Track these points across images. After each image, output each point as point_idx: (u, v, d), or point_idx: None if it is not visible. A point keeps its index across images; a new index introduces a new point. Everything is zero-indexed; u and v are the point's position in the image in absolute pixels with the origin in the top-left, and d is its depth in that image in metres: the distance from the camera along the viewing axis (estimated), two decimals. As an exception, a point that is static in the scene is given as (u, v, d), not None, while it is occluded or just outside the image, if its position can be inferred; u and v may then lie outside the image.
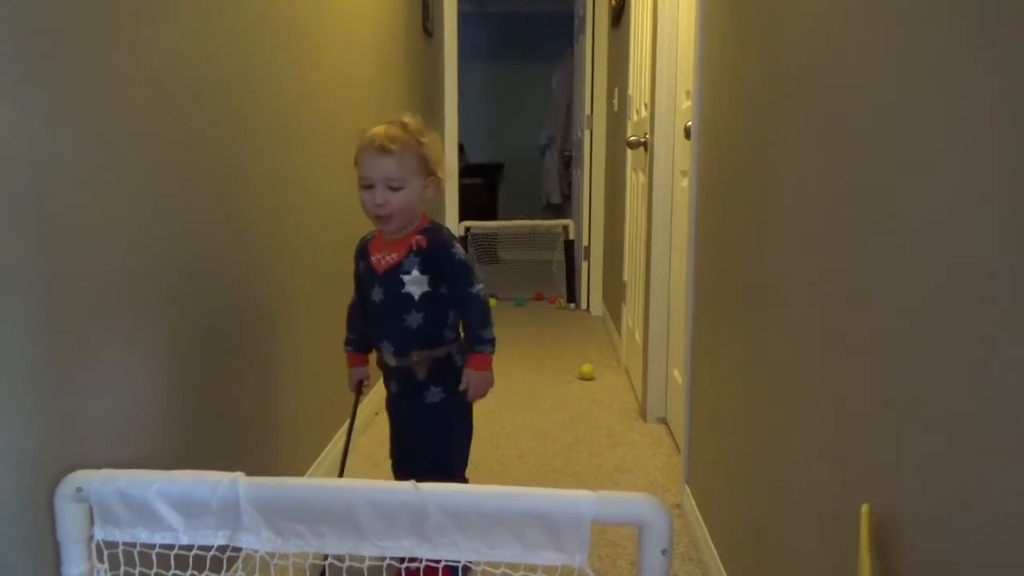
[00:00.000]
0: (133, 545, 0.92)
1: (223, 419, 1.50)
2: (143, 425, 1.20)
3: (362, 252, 1.56)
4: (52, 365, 0.98)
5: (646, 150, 2.77)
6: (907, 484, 0.77)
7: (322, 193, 2.15)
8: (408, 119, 1.47)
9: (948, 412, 0.70)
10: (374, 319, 1.53)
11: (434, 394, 1.52)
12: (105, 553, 0.93)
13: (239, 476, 0.90)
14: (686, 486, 1.93)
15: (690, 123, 2.00)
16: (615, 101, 3.92)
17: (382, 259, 1.49)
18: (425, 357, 1.50)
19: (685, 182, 2.27)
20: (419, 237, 1.48)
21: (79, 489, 0.91)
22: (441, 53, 4.27)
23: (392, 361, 1.52)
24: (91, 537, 0.92)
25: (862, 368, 0.88)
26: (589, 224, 4.67)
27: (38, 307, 0.95)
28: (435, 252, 1.47)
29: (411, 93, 3.48)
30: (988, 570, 0.63)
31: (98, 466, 0.95)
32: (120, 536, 0.92)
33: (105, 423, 1.09)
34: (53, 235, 0.98)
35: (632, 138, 2.97)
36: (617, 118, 3.81)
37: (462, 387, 1.51)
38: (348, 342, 1.65)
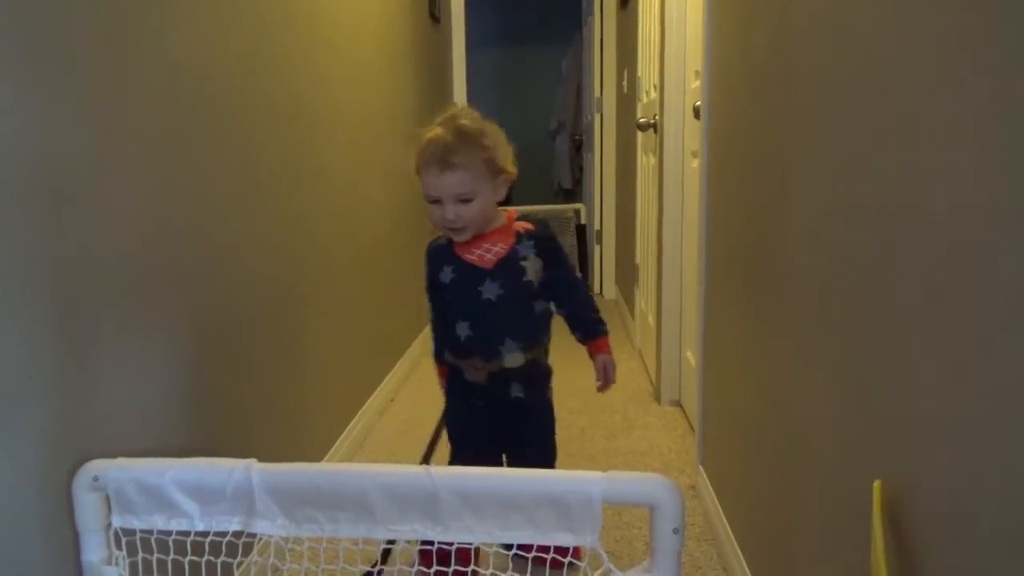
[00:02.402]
0: (150, 532, 0.93)
1: (239, 407, 1.51)
2: (159, 413, 1.21)
3: (443, 256, 1.45)
4: (66, 355, 0.99)
5: (656, 132, 2.75)
6: (920, 459, 0.77)
7: (335, 180, 2.16)
8: (464, 119, 1.40)
9: (961, 388, 0.69)
10: (491, 319, 1.42)
11: (531, 388, 1.48)
12: (123, 540, 0.94)
13: (252, 462, 0.91)
14: (700, 467, 1.93)
15: (699, 103, 1.98)
16: (624, 83, 3.89)
17: (486, 253, 1.41)
18: (544, 348, 1.49)
19: (696, 163, 2.25)
20: (520, 224, 1.44)
21: (95, 478, 0.92)
22: (449, 39, 4.25)
23: (518, 360, 1.43)
24: (109, 525, 0.94)
25: (875, 346, 0.88)
26: (601, 208, 4.65)
27: (51, 297, 0.96)
28: (545, 234, 1.45)
29: (419, 80, 3.47)
30: (1000, 543, 0.63)
31: (116, 455, 0.96)
32: (137, 523, 0.93)
33: (122, 412, 1.11)
34: (66, 224, 0.99)
35: (642, 120, 2.96)
36: (627, 100, 3.79)
37: (603, 378, 1.50)
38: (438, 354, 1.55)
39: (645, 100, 3.13)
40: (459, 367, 1.48)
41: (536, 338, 1.45)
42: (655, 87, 2.81)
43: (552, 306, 1.47)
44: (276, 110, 1.74)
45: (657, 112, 2.71)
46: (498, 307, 1.40)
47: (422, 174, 1.37)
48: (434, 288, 1.48)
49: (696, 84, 2.22)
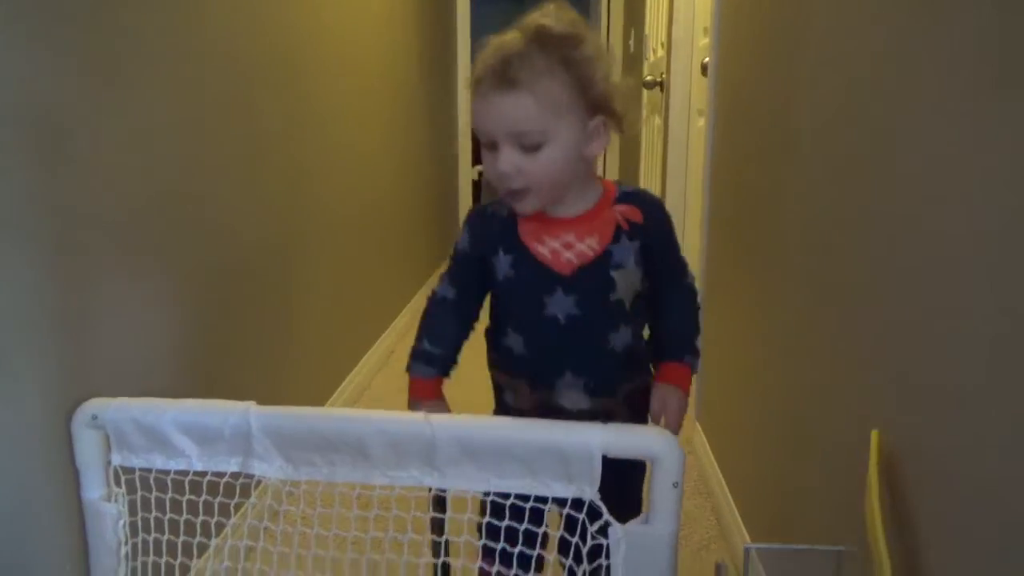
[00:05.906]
0: (149, 470, 0.94)
1: (237, 358, 1.51)
2: (159, 362, 1.21)
3: (499, 234, 0.97)
4: (67, 301, 0.98)
5: (662, 90, 2.72)
6: (914, 412, 0.77)
7: (335, 132, 2.13)
8: (549, 18, 0.90)
9: (954, 343, 0.69)
10: (550, 343, 0.97)
11: None
12: (123, 478, 0.94)
13: (251, 405, 0.91)
14: (696, 423, 1.94)
15: (707, 60, 1.95)
16: (631, 42, 3.84)
17: (565, 250, 0.94)
18: (629, 391, 1.01)
19: (702, 122, 2.23)
20: (625, 208, 0.95)
21: (94, 417, 0.92)
22: (454, -8, 4.18)
23: (579, 404, 0.99)
24: (109, 462, 0.94)
25: (872, 301, 0.87)
26: (604, 169, 4.62)
27: (53, 241, 0.95)
28: (657, 219, 0.97)
29: (422, 34, 3.42)
30: (991, 491, 0.63)
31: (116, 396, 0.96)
32: (136, 462, 0.93)
33: (122, 359, 1.10)
34: (68, 169, 0.97)
35: (648, 78, 2.92)
36: (633, 59, 3.74)
37: (657, 412, 1.01)
38: (421, 357, 1.03)
39: (652, 58, 3.09)
40: (500, 384, 1.06)
41: (608, 381, 0.99)
42: (662, 44, 2.77)
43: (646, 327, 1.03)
44: (276, 63, 1.71)
45: (664, 70, 2.67)
46: (565, 330, 0.95)
47: (472, 100, 0.91)
48: (471, 266, 1.00)
49: (705, 41, 2.18)
